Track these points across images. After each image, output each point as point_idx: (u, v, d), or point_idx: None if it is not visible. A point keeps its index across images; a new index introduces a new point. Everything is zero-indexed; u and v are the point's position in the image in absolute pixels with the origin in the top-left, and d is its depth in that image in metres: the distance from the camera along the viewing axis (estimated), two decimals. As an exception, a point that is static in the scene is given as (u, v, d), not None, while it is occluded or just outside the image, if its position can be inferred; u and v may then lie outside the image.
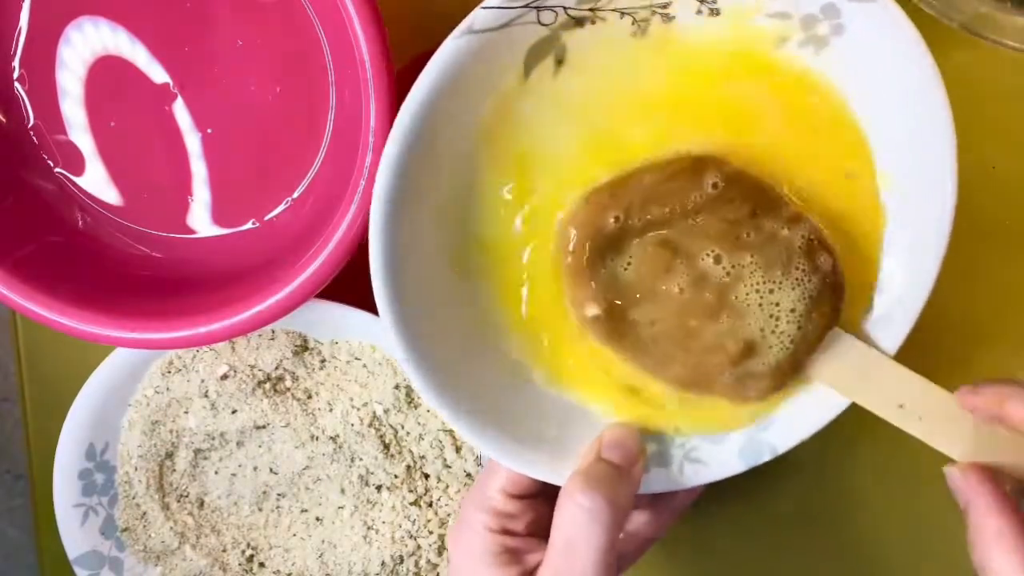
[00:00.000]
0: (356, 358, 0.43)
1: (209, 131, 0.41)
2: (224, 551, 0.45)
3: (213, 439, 0.44)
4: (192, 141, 0.41)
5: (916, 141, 0.34)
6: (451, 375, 0.35)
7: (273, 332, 0.42)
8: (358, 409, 0.43)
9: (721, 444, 0.36)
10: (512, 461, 0.35)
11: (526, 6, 0.33)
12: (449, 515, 0.44)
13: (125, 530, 0.45)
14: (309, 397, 0.43)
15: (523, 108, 0.35)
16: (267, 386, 0.43)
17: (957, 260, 0.43)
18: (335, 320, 0.42)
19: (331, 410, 0.43)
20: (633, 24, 0.34)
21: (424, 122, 0.33)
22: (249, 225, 0.42)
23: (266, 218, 0.42)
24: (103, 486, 0.45)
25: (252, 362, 0.43)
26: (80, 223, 0.43)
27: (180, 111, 0.41)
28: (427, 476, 0.44)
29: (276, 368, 0.43)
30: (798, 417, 0.36)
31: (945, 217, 0.34)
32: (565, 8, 0.33)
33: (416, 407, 0.43)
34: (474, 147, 0.35)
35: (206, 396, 0.43)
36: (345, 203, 0.36)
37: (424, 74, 0.33)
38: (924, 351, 0.44)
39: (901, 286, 0.36)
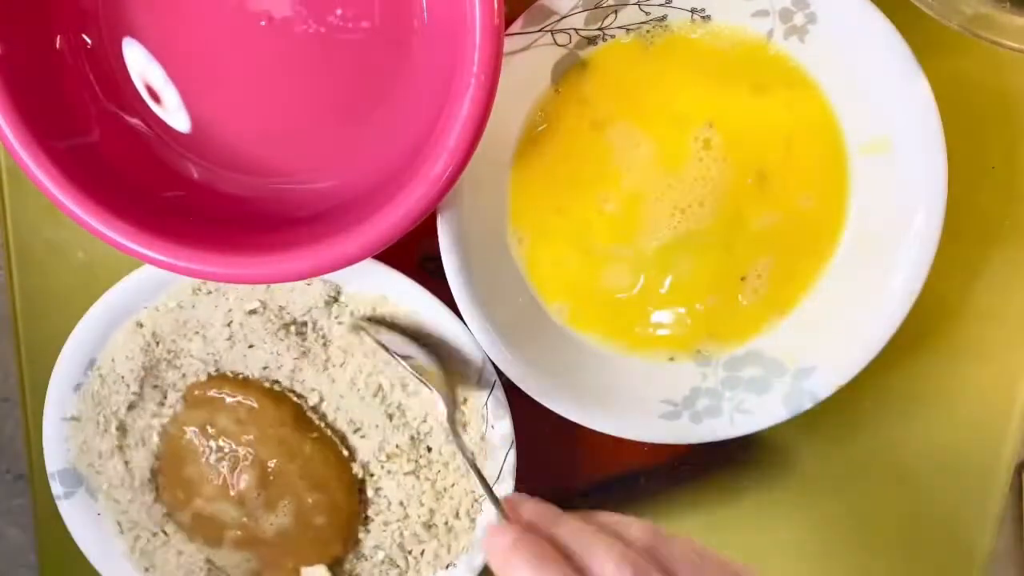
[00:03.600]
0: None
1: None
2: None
3: (207, 366, 0.44)
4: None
5: (896, 110, 0.39)
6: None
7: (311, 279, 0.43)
8: (366, 375, 0.43)
9: (766, 395, 0.41)
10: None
11: (541, 30, 0.38)
12: (445, 489, 0.44)
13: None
14: (325, 346, 0.43)
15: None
16: (291, 329, 0.43)
17: (957, 259, 0.43)
18: (375, 279, 0.42)
19: (342, 366, 0.43)
20: (639, 37, 0.39)
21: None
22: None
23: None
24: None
25: (283, 303, 0.43)
26: (195, 175, 0.42)
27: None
28: (430, 449, 0.44)
29: (304, 314, 0.43)
30: (836, 365, 0.40)
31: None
32: (576, 30, 0.38)
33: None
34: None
35: (228, 325, 0.43)
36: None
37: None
38: (921, 350, 0.44)
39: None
